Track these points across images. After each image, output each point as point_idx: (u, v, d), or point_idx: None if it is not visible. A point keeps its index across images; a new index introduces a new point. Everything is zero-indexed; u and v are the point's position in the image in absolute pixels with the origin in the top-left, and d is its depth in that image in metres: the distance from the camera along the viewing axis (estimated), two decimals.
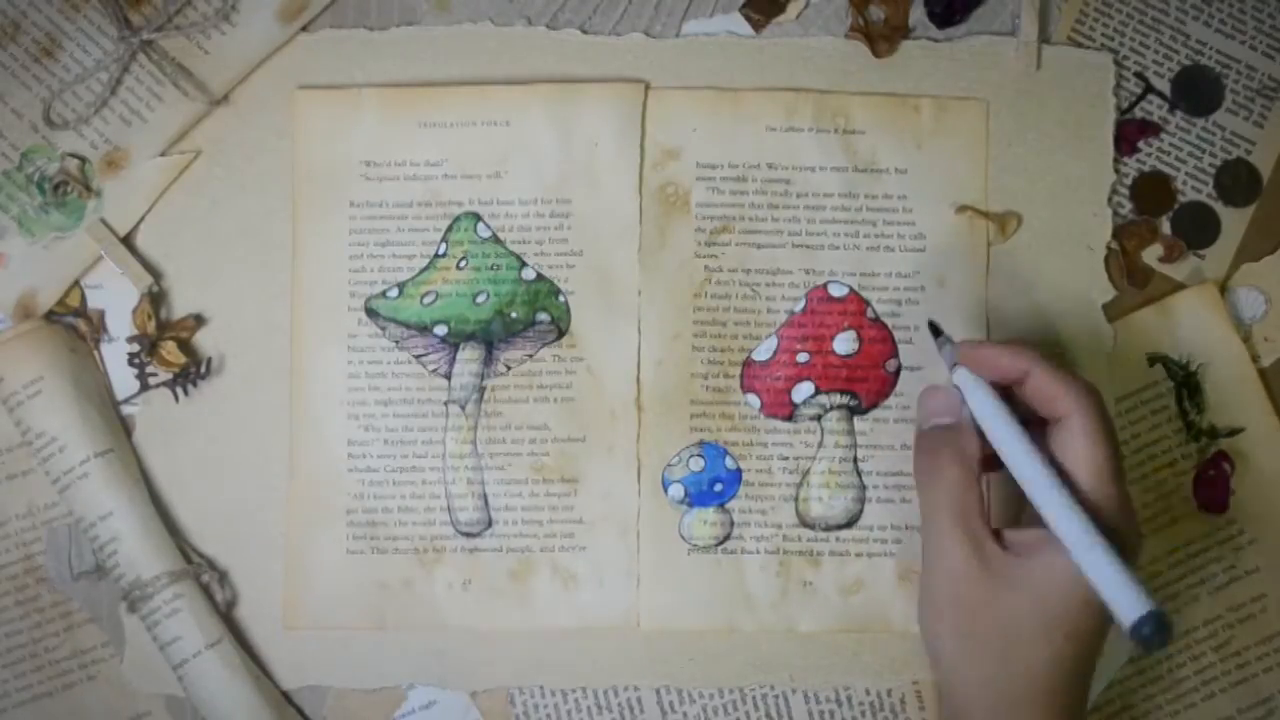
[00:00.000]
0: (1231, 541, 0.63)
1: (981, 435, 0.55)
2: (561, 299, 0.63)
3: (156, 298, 0.63)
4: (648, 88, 0.63)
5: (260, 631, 0.62)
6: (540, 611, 0.62)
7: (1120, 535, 0.52)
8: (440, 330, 0.63)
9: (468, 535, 0.62)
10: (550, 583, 0.62)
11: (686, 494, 0.62)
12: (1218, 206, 0.64)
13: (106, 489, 0.61)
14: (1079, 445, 0.53)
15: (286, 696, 0.63)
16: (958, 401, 0.56)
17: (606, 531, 0.62)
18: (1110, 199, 0.64)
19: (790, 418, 0.63)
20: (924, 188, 0.63)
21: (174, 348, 0.62)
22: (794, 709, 0.63)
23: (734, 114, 0.63)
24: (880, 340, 0.63)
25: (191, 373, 0.62)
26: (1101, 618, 0.52)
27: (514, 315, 0.63)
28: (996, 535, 0.53)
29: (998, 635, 0.52)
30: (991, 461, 0.55)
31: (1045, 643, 0.52)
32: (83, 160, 0.63)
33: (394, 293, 0.63)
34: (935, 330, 0.59)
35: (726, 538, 0.63)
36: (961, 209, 0.63)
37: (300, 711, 0.63)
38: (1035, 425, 0.55)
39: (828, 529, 0.63)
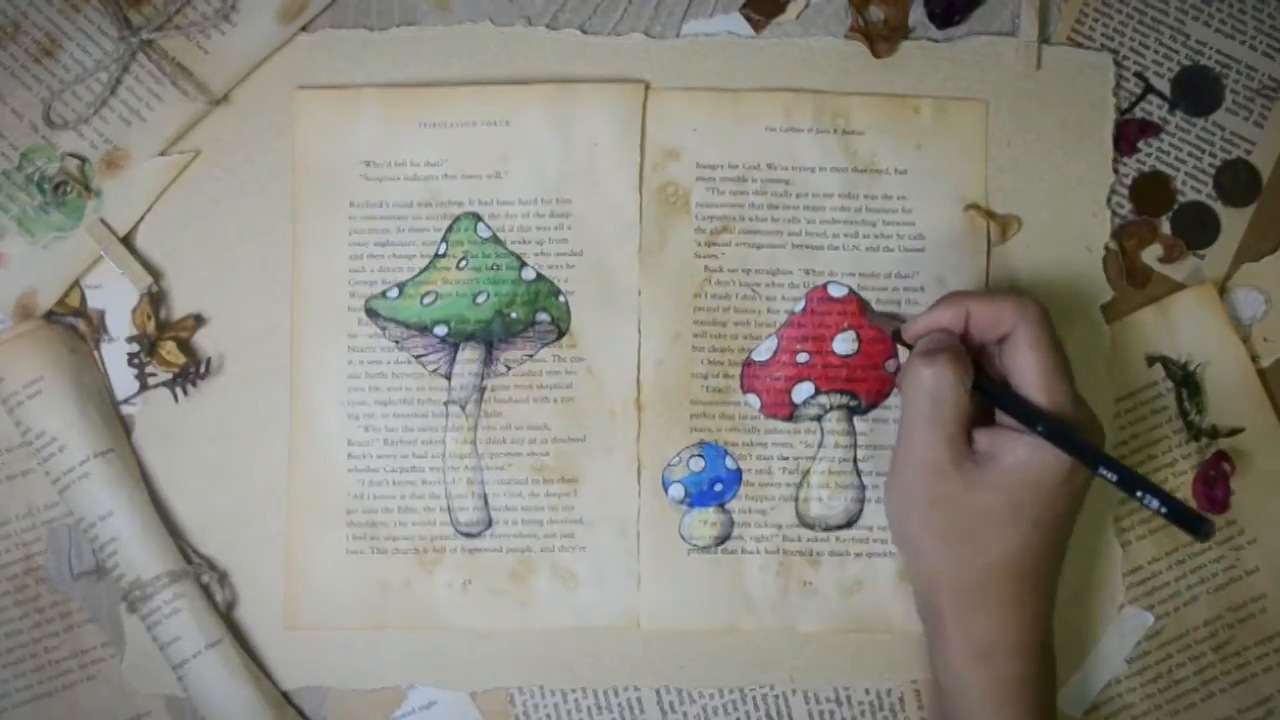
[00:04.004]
0: (1231, 541, 0.63)
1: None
2: (561, 299, 0.63)
3: (156, 298, 0.63)
4: (648, 88, 0.63)
5: (260, 631, 0.63)
6: (540, 611, 0.62)
7: (1080, 427, 0.56)
8: (440, 330, 0.63)
9: (468, 535, 0.62)
10: (550, 583, 0.62)
11: (686, 494, 0.62)
12: (1217, 206, 0.64)
13: (106, 489, 0.61)
14: (1025, 353, 0.56)
15: (286, 696, 0.63)
16: (954, 337, 0.58)
17: (606, 531, 0.62)
18: (1110, 199, 0.64)
19: (790, 418, 0.63)
20: (924, 188, 0.63)
21: (174, 348, 0.62)
22: (794, 709, 0.63)
23: (734, 114, 0.63)
24: (880, 340, 0.63)
25: (191, 373, 0.62)
26: (1067, 506, 0.56)
27: (514, 315, 0.63)
28: (967, 436, 0.56)
29: (968, 526, 0.56)
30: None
31: (1013, 531, 0.55)
32: (83, 160, 0.63)
33: (394, 293, 0.63)
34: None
35: (726, 538, 0.63)
36: (964, 209, 0.63)
37: (300, 711, 0.63)
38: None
39: (827, 529, 0.63)
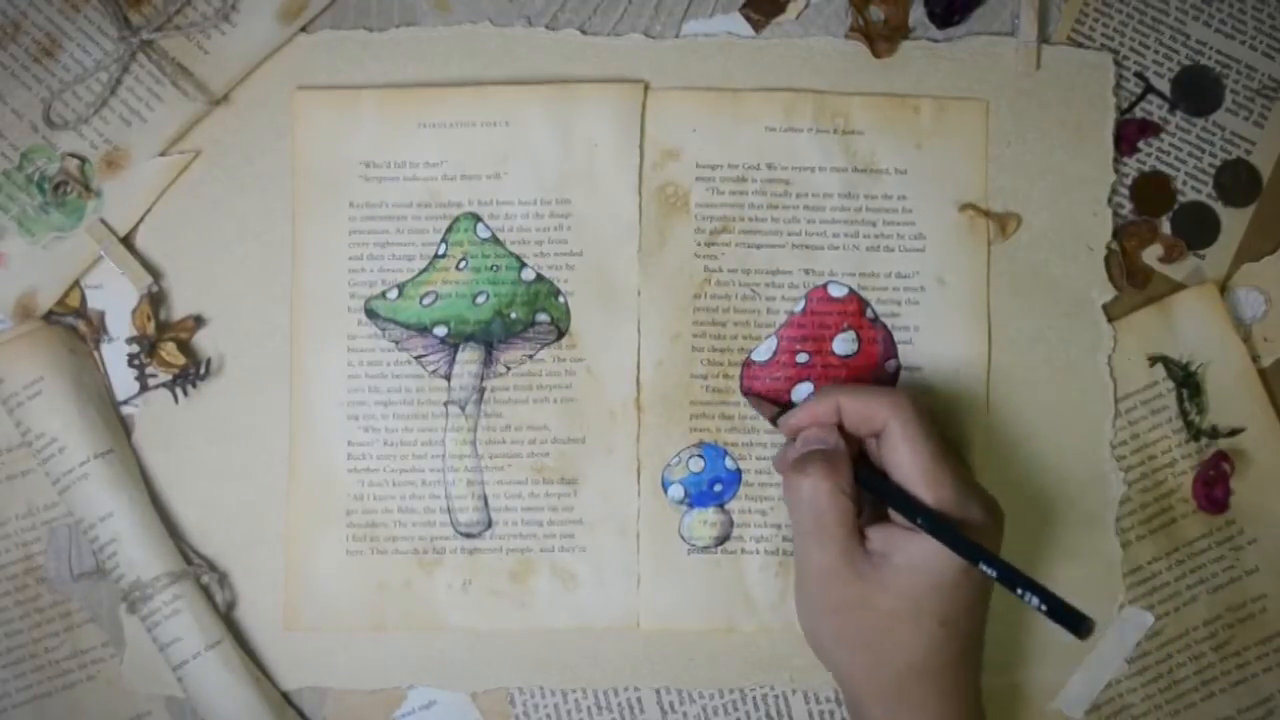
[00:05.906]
0: (1231, 541, 0.63)
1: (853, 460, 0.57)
2: (561, 299, 0.63)
3: (156, 298, 0.63)
4: (647, 88, 0.63)
5: (260, 632, 0.63)
6: (540, 612, 0.62)
7: (968, 519, 0.55)
8: (440, 331, 0.63)
9: (467, 536, 0.62)
10: (550, 583, 0.62)
11: (686, 494, 0.62)
12: (1218, 206, 0.64)
13: (106, 490, 0.61)
14: (901, 449, 0.55)
15: (286, 697, 0.63)
16: (832, 432, 0.57)
17: (606, 532, 0.62)
18: (1110, 199, 0.64)
19: None
20: (924, 188, 0.63)
21: (174, 348, 0.62)
22: (794, 709, 0.63)
23: (734, 114, 0.63)
24: (879, 340, 0.63)
25: (191, 373, 0.62)
26: (971, 600, 0.55)
27: (514, 316, 0.63)
28: (860, 536, 0.56)
29: (872, 630, 0.55)
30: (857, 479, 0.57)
31: (919, 631, 0.54)
32: (83, 160, 0.63)
33: (394, 293, 0.63)
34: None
35: (726, 538, 0.63)
36: (962, 209, 0.63)
37: (300, 712, 0.63)
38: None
39: None
